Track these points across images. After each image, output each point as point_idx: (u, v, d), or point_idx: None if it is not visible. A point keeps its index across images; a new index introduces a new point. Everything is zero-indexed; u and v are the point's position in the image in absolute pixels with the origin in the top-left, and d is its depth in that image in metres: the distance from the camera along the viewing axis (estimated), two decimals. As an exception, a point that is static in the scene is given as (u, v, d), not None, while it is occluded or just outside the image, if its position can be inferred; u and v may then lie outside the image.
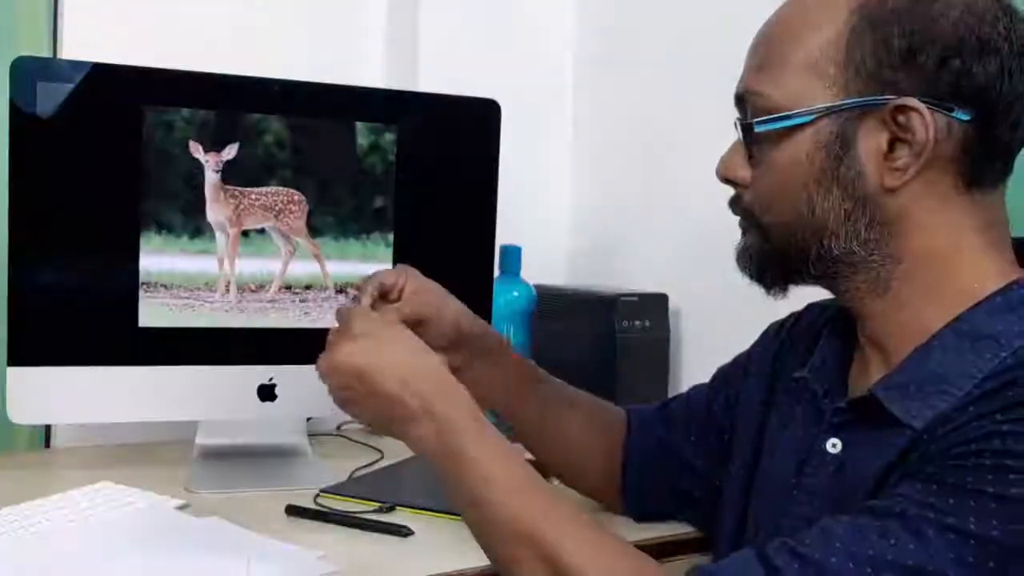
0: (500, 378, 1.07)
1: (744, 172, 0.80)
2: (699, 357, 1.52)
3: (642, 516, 1.07)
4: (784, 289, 0.82)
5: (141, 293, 1.22)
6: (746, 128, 0.77)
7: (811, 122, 0.73)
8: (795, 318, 0.96)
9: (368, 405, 0.86)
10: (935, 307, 0.75)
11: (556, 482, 1.11)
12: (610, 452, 1.07)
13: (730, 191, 0.83)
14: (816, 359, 0.85)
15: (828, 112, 0.73)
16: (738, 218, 0.82)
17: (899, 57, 0.71)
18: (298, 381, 1.29)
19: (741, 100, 0.79)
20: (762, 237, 0.80)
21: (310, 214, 1.28)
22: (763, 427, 0.90)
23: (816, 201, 0.75)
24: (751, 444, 0.91)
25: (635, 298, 1.49)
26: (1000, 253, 0.76)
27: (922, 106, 0.70)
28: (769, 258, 0.80)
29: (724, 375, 1.03)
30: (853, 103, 0.72)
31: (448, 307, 1.02)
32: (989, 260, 0.75)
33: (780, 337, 0.95)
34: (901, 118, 0.71)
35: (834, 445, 0.78)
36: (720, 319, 1.47)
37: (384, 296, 0.99)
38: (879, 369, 0.79)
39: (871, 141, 0.73)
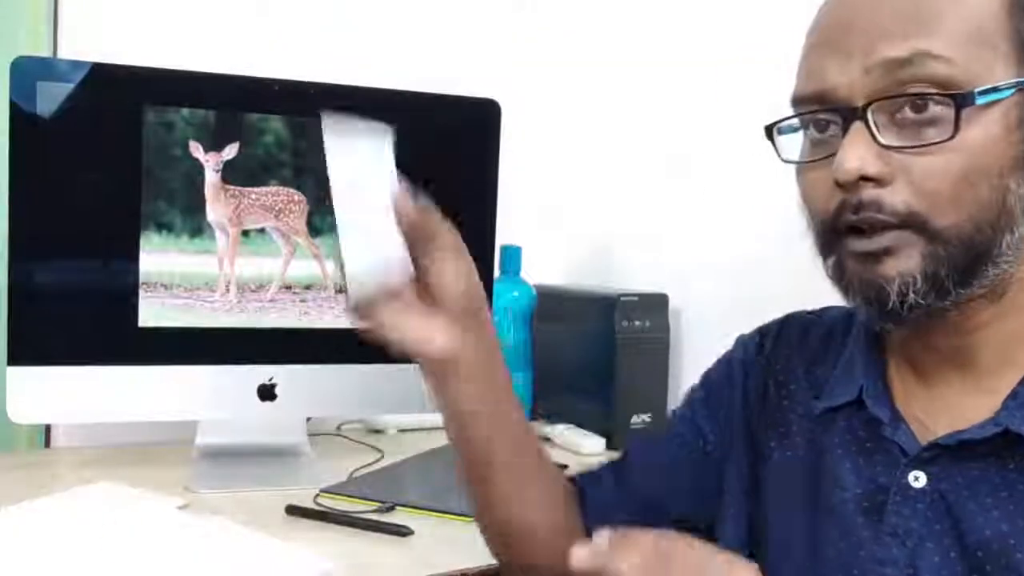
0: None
1: (884, 166, 0.64)
2: (699, 357, 1.51)
3: None
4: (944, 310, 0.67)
5: (141, 293, 1.22)
6: (961, 98, 0.62)
7: (1007, 98, 0.63)
8: (775, 331, 0.85)
9: None
10: None
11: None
12: (564, 530, 0.83)
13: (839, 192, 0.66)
14: (847, 381, 0.75)
15: (1020, 87, 0.63)
16: (865, 230, 0.65)
17: None
18: (298, 381, 1.29)
19: (902, 64, 0.63)
20: (936, 246, 0.64)
21: (310, 214, 1.28)
22: (759, 452, 0.81)
23: (1011, 188, 0.64)
24: (748, 468, 0.82)
25: (635, 298, 1.49)
26: None
27: None
28: (949, 272, 0.64)
29: (704, 402, 0.88)
30: None
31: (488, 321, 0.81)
32: None
33: (765, 354, 0.84)
34: None
35: (916, 479, 0.68)
36: (720, 319, 1.47)
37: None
38: (960, 391, 0.69)
39: None
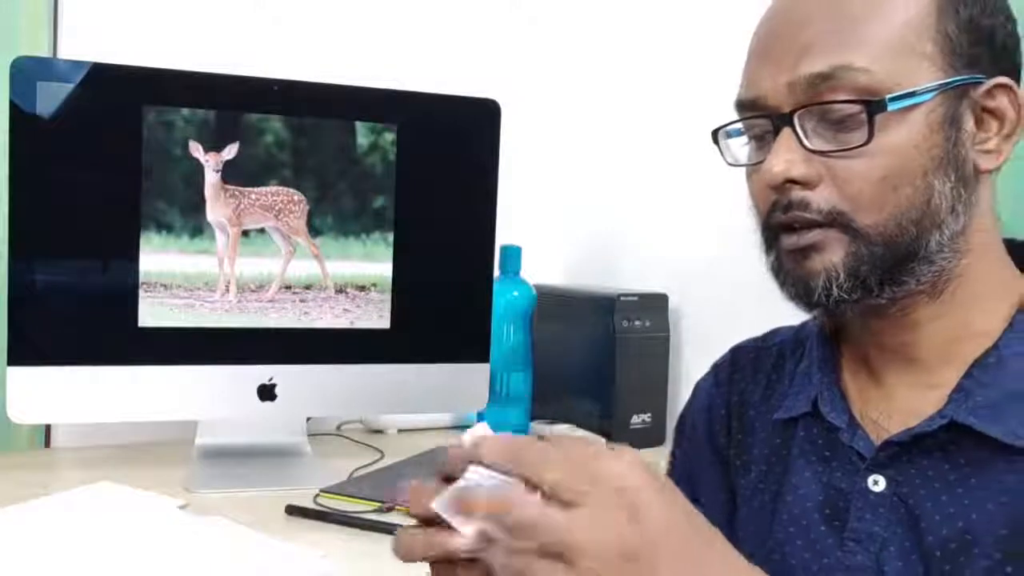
0: None
1: (811, 168, 0.67)
2: (699, 357, 1.52)
3: None
4: (863, 307, 0.69)
5: (141, 293, 1.22)
6: (874, 105, 0.65)
7: (927, 101, 0.65)
8: (727, 366, 0.86)
9: None
10: (987, 310, 0.69)
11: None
12: None
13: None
14: (801, 392, 0.76)
15: (941, 90, 0.66)
16: (796, 228, 0.68)
17: (985, 34, 0.67)
18: (298, 381, 1.29)
19: (824, 79, 0.66)
20: (860, 243, 0.66)
21: (310, 214, 1.28)
22: (730, 487, 0.82)
23: (935, 187, 0.66)
24: (721, 506, 0.82)
25: (635, 298, 1.49)
26: (1000, 237, 0.72)
27: (1015, 84, 0.67)
28: (872, 269, 0.66)
29: (683, 454, 0.88)
30: (962, 80, 0.66)
31: None
32: (1003, 249, 0.71)
33: (722, 388, 0.85)
34: (988, 99, 0.68)
35: (876, 482, 0.69)
36: (720, 319, 1.47)
37: None
38: (911, 389, 0.71)
39: (966, 122, 0.67)
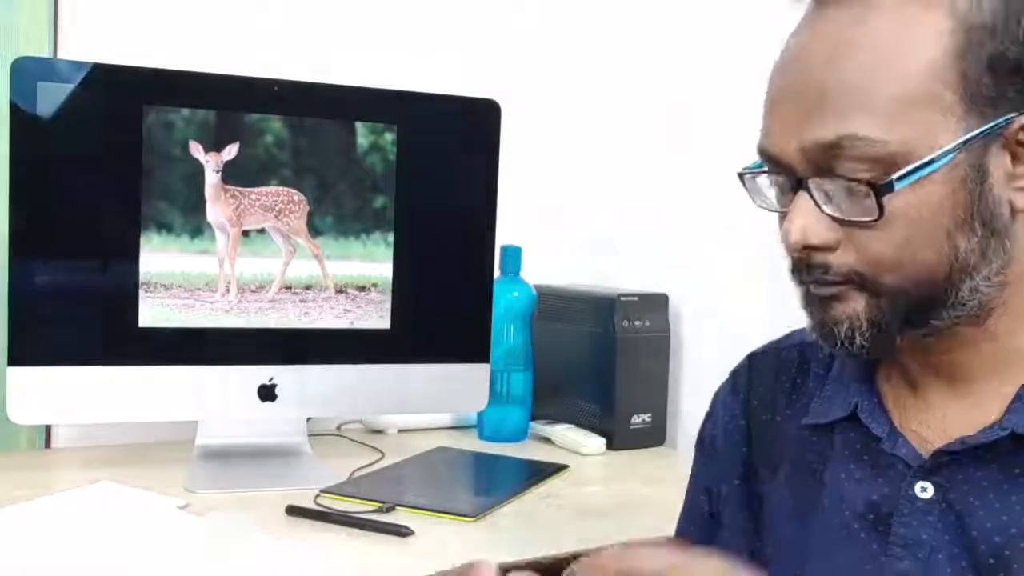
0: None
1: (829, 233, 0.66)
2: (699, 357, 1.52)
3: None
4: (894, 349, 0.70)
5: (141, 293, 1.22)
6: (879, 188, 0.63)
7: (946, 164, 0.63)
8: (746, 373, 0.86)
9: None
10: None
11: None
12: None
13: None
14: (835, 397, 0.76)
15: (964, 146, 0.63)
16: (814, 283, 0.68)
17: (1012, 66, 0.64)
18: (298, 381, 1.30)
19: (832, 147, 0.64)
20: (883, 298, 0.66)
21: (310, 214, 1.28)
22: (756, 494, 0.81)
23: (960, 245, 0.64)
24: (746, 509, 0.82)
25: (635, 298, 1.49)
26: None
27: None
28: (893, 317, 0.67)
29: (704, 464, 0.88)
30: (987, 129, 0.63)
31: None
32: None
33: (741, 396, 0.85)
34: (1023, 135, 0.65)
35: (924, 489, 0.69)
36: (720, 319, 1.47)
37: None
38: (955, 404, 0.70)
39: (999, 164, 0.65)
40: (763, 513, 0.80)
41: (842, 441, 0.75)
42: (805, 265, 0.68)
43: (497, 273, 1.46)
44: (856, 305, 0.67)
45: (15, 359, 1.18)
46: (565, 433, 1.48)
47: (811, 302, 0.70)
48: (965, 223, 0.64)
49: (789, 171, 0.67)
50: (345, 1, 1.59)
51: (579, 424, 1.51)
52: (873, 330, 0.67)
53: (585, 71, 1.73)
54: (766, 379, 0.83)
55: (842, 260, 0.66)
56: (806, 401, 0.79)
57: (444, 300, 1.36)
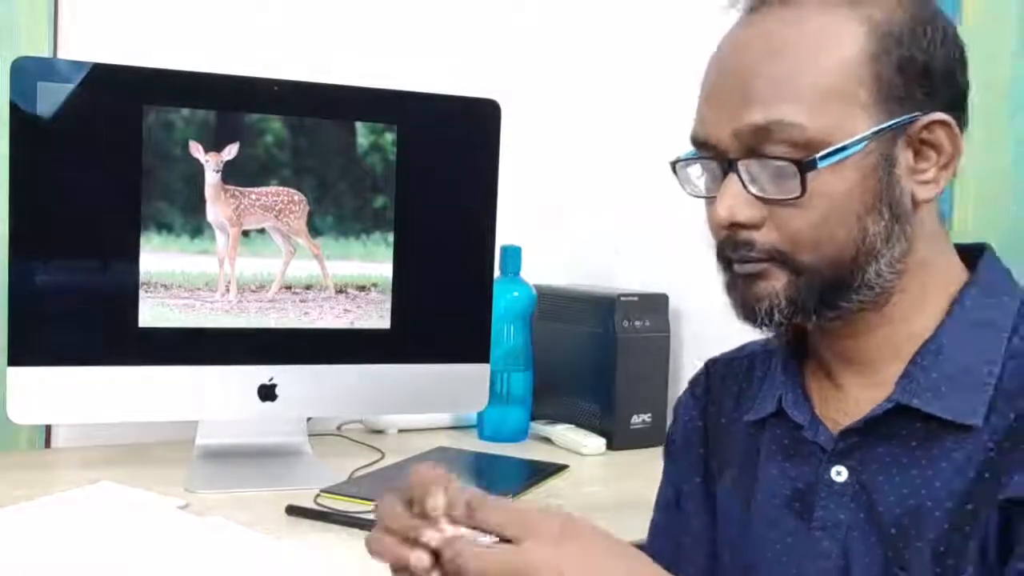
0: None
1: (754, 211, 0.72)
2: (699, 357, 1.51)
3: None
4: (792, 327, 0.77)
5: (141, 293, 1.22)
6: (804, 165, 0.70)
7: (859, 151, 0.70)
8: (703, 380, 0.92)
9: None
10: (925, 312, 0.75)
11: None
12: None
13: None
14: (768, 395, 0.82)
15: (873, 138, 0.70)
16: (739, 261, 0.74)
17: (919, 71, 0.71)
18: (298, 381, 1.30)
19: (762, 130, 0.71)
20: (799, 275, 0.73)
21: (310, 214, 1.28)
22: (713, 494, 0.87)
23: (869, 228, 0.72)
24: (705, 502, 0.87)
25: (635, 298, 1.49)
26: (950, 244, 0.77)
27: (951, 119, 0.72)
28: (809, 296, 0.73)
29: (673, 462, 0.93)
30: (895, 123, 0.71)
31: None
32: (951, 254, 0.77)
33: (700, 404, 0.91)
34: (926, 133, 0.72)
35: (839, 473, 0.75)
36: (720, 319, 1.47)
37: None
38: (863, 388, 0.76)
39: (904, 158, 0.72)
40: (717, 508, 0.86)
41: (771, 435, 0.81)
42: (731, 243, 0.74)
43: (497, 273, 1.46)
44: (776, 283, 0.73)
45: (15, 359, 1.18)
46: (565, 433, 1.48)
47: (734, 285, 0.76)
48: (874, 208, 0.71)
49: (721, 155, 0.74)
50: (345, 1, 1.59)
51: (579, 424, 1.51)
52: (791, 308, 0.73)
53: (585, 71, 1.73)
54: (719, 385, 0.90)
55: (766, 238, 0.73)
56: (750, 404, 0.85)
57: (444, 300, 1.36)
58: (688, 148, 0.79)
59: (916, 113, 0.71)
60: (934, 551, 0.69)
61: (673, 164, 0.80)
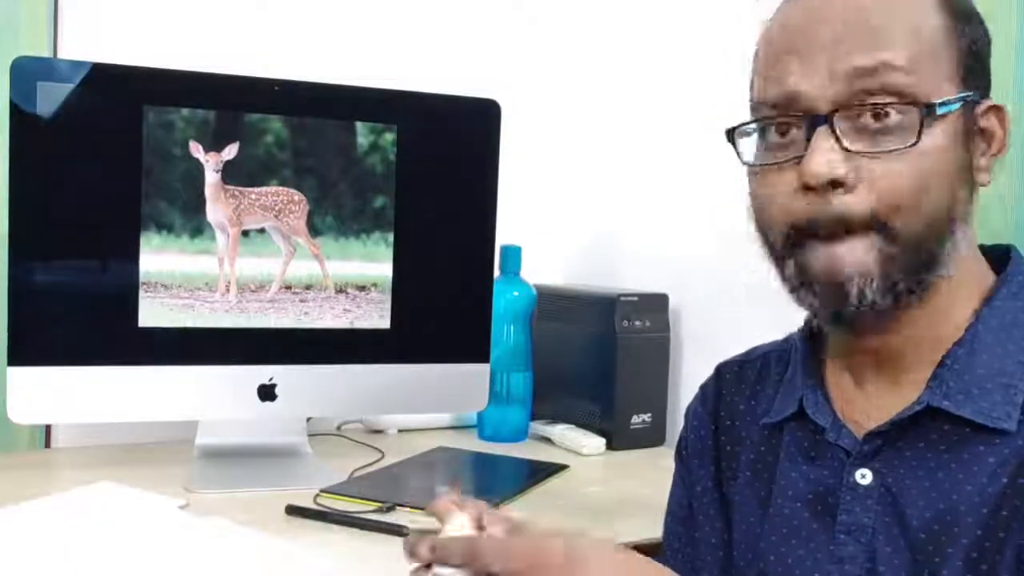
0: None
1: (850, 169, 0.67)
2: (699, 357, 1.52)
3: None
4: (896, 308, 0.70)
5: (141, 293, 1.22)
6: (926, 110, 0.66)
7: (953, 112, 0.68)
8: (714, 380, 0.89)
9: None
10: (955, 313, 0.72)
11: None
12: None
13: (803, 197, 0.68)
14: (787, 397, 0.79)
15: (961, 103, 0.68)
16: (826, 235, 0.68)
17: (979, 57, 0.70)
18: (298, 381, 1.30)
19: (867, 73, 0.66)
20: (894, 245, 0.67)
21: (310, 214, 1.28)
22: (725, 498, 0.84)
23: (958, 196, 0.68)
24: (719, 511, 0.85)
25: (635, 298, 1.49)
26: (976, 244, 0.75)
27: (1005, 107, 0.71)
28: (902, 271, 0.68)
29: (683, 467, 0.90)
30: (973, 97, 0.69)
31: None
32: (979, 254, 0.75)
33: (709, 409, 0.88)
34: (983, 120, 0.71)
35: (863, 476, 0.72)
36: (720, 319, 1.48)
37: None
38: (888, 390, 0.74)
39: (972, 137, 0.70)
40: (731, 512, 0.84)
41: (791, 437, 0.79)
42: (823, 209, 0.67)
43: (497, 273, 1.46)
44: (867, 258, 0.67)
45: (15, 359, 1.18)
46: (565, 433, 1.48)
47: (807, 270, 0.69)
48: (961, 176, 0.69)
49: (808, 110, 0.68)
50: (345, 1, 1.59)
51: (579, 424, 1.51)
52: (884, 286, 0.67)
53: (585, 71, 1.74)
54: (731, 389, 0.87)
55: (861, 200, 0.67)
56: (766, 406, 0.83)
57: (444, 300, 1.36)
58: (728, 123, 0.74)
59: (979, 95, 0.70)
60: (966, 557, 0.67)
61: (731, 131, 0.74)
